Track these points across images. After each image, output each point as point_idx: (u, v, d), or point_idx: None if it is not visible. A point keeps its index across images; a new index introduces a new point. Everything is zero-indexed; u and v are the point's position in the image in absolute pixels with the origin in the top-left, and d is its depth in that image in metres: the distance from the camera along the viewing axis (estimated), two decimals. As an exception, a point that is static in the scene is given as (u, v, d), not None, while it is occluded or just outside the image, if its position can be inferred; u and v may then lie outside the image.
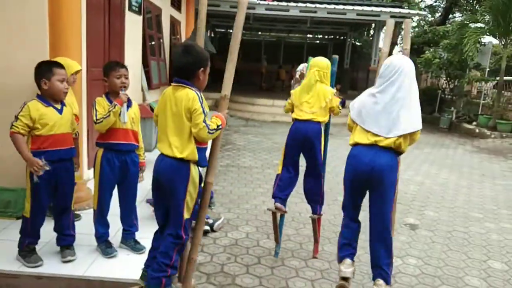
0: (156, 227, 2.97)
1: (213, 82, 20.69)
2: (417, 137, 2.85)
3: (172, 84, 2.64)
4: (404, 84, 2.76)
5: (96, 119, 3.15)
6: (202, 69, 2.63)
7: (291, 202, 5.52)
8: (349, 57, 20.08)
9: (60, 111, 3.11)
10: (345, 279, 2.93)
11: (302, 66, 5.89)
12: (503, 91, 13.27)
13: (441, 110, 15.53)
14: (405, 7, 15.99)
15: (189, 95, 2.52)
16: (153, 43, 8.28)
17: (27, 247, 3.15)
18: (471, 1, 16.42)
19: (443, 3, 19.86)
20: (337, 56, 3.99)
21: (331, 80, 3.87)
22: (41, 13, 3.91)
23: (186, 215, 2.67)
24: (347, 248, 3.08)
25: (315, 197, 3.90)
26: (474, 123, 13.50)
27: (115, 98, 3.23)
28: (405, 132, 2.73)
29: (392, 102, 2.76)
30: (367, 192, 3.04)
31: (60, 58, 3.78)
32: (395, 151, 2.79)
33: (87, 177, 4.89)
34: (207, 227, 4.26)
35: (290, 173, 3.86)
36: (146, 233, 3.78)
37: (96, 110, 3.19)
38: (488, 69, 14.81)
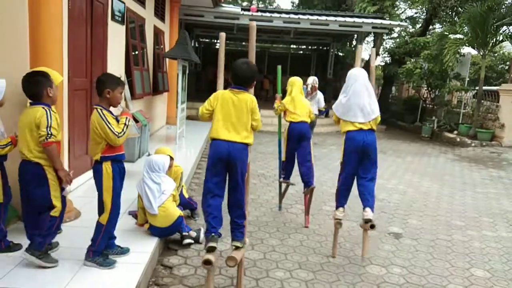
0: (140, 240, 3.16)
1: (197, 91, 20.69)
2: (378, 119, 4.31)
3: (232, 89, 3.36)
4: (360, 83, 4.15)
5: (118, 133, 3.19)
6: (255, 80, 3.47)
7: (276, 212, 5.52)
8: (332, 67, 20.28)
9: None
10: (339, 220, 4.22)
11: (312, 80, 7.83)
12: (482, 101, 13.55)
13: (423, 119, 15.78)
14: (387, 18, 16.25)
15: (251, 98, 3.35)
16: (136, 52, 8.23)
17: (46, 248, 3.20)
18: (450, 13, 16.78)
19: (424, 14, 20.27)
20: (279, 66, 5.45)
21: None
22: (21, 22, 3.84)
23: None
24: (342, 200, 4.35)
25: (309, 176, 5.16)
26: (455, 132, 13.74)
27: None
28: (375, 116, 4.22)
29: (357, 96, 4.12)
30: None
31: (44, 68, 3.72)
32: (374, 130, 4.27)
33: (68, 188, 4.79)
34: (190, 240, 4.20)
35: (291, 163, 5.41)
36: (128, 243, 3.72)
37: (110, 123, 3.17)
38: (467, 79, 15.13)
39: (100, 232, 3.31)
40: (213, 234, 3.24)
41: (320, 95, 8.03)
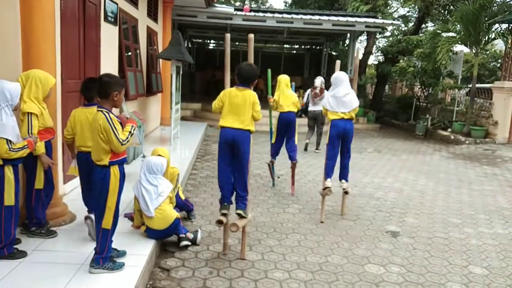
0: (136, 242, 3.20)
1: (191, 92, 20.60)
2: (357, 110, 5.41)
3: (237, 87, 4.05)
4: (344, 84, 5.35)
5: (122, 140, 3.12)
6: (256, 79, 4.15)
7: (273, 212, 5.50)
8: (326, 66, 20.30)
9: None
10: (328, 188, 5.29)
11: (319, 83, 9.69)
12: (475, 98, 13.62)
13: (417, 117, 15.82)
14: (379, 17, 16.28)
15: (252, 94, 4.04)
16: (129, 53, 8.17)
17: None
18: (442, 11, 16.84)
19: (416, 13, 20.35)
20: (269, 70, 6.16)
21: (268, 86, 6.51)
22: (13, 24, 3.79)
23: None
24: (329, 173, 5.43)
25: (294, 152, 6.49)
26: (449, 129, 13.79)
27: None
28: (353, 107, 5.32)
29: (342, 94, 5.28)
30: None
31: (37, 70, 3.68)
32: (352, 119, 5.39)
33: (62, 192, 4.74)
34: (187, 242, 4.17)
35: (280, 142, 6.59)
36: (125, 246, 3.68)
37: (116, 129, 3.09)
38: (460, 77, 15.21)
39: (107, 238, 3.25)
40: (225, 203, 4.10)
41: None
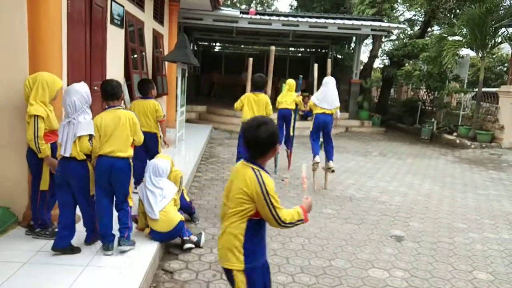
0: (140, 244, 3.19)
1: (197, 94, 20.64)
2: (338, 107, 6.70)
3: (254, 92, 5.84)
4: (330, 87, 6.57)
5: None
6: (266, 86, 5.48)
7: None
8: (331, 69, 20.27)
9: None
10: (316, 163, 6.67)
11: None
12: (481, 102, 13.54)
13: (422, 121, 15.75)
14: (385, 21, 16.24)
15: (265, 97, 5.77)
16: (135, 56, 8.21)
17: None
18: (448, 15, 16.78)
19: (422, 16, 20.29)
20: (301, 76, 7.95)
21: (297, 88, 7.98)
22: (20, 27, 3.83)
23: None
24: (316, 151, 6.71)
25: (290, 143, 7.95)
26: (455, 133, 13.72)
27: None
28: (335, 106, 6.60)
29: (329, 94, 6.53)
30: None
31: (45, 73, 3.71)
32: (332, 114, 6.61)
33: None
34: (191, 245, 4.17)
35: (281, 131, 7.49)
36: (129, 251, 3.69)
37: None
38: (466, 81, 15.13)
39: (129, 215, 3.74)
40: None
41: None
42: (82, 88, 3.51)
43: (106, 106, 3.82)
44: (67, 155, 3.40)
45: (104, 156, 3.59)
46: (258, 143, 2.28)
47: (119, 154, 3.60)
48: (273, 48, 5.82)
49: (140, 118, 4.75)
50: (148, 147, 5.02)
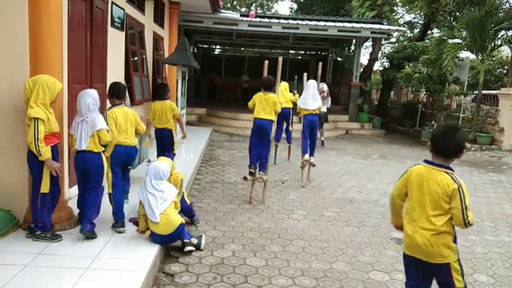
0: (140, 247, 3.33)
1: (196, 97, 20.63)
2: (320, 107, 7.53)
3: (264, 92, 6.23)
4: (311, 89, 7.37)
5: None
6: (274, 87, 6.50)
7: (277, 218, 5.49)
8: (331, 72, 20.30)
9: None
10: (306, 160, 7.22)
11: (326, 87, 11.66)
12: (481, 105, 13.56)
13: (422, 123, 15.77)
14: (385, 24, 16.27)
15: (274, 96, 6.27)
16: (135, 59, 8.22)
17: None
18: (448, 17, 16.79)
19: (422, 19, 20.33)
20: (296, 77, 9.04)
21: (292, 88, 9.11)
22: (21, 29, 3.84)
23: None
24: (305, 150, 7.28)
25: (290, 139, 9.03)
26: (455, 136, 13.71)
27: None
28: (318, 106, 7.40)
29: (311, 96, 7.33)
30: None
31: (45, 75, 3.72)
32: (317, 114, 7.45)
33: (68, 196, 4.77)
34: (191, 247, 4.17)
35: (280, 129, 8.56)
36: (129, 251, 3.69)
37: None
38: (466, 83, 15.15)
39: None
40: (252, 165, 6.17)
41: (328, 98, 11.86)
42: (94, 93, 4.08)
43: (112, 104, 4.52)
44: (84, 148, 3.91)
45: (120, 145, 4.32)
46: (458, 147, 2.64)
47: (131, 142, 4.43)
48: (280, 58, 6.57)
49: (160, 116, 5.99)
50: (165, 140, 6.11)
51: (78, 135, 3.93)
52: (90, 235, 3.92)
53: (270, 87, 6.32)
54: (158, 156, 5.92)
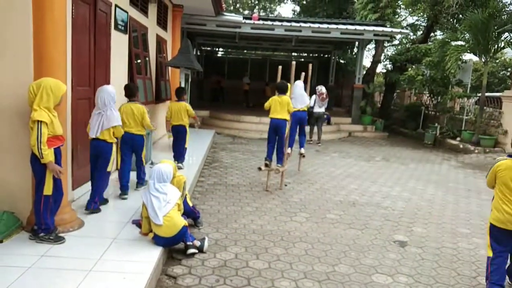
0: (143, 249, 3.44)
1: (200, 99, 20.62)
2: (308, 105, 8.59)
3: (278, 95, 7.03)
4: (297, 89, 7.97)
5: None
6: (287, 90, 7.24)
7: (280, 220, 5.48)
8: (334, 74, 20.30)
9: None
10: (288, 153, 7.55)
11: (324, 89, 12.31)
12: (484, 107, 13.52)
13: (425, 126, 15.73)
14: (388, 26, 16.26)
15: (287, 98, 7.03)
16: (139, 61, 8.25)
17: None
18: (451, 20, 16.77)
19: (425, 21, 20.31)
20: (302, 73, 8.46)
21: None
22: (26, 31, 3.86)
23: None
24: (292, 144, 7.81)
25: (296, 137, 8.72)
26: (458, 138, 13.69)
27: None
28: (305, 104, 8.14)
29: (298, 96, 7.91)
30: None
31: (49, 78, 3.73)
32: (305, 111, 8.19)
33: (71, 198, 4.78)
34: (194, 250, 4.17)
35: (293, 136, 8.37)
36: (132, 253, 3.70)
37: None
38: (469, 86, 15.09)
39: (142, 171, 5.86)
40: (268, 158, 7.20)
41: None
42: (110, 89, 4.71)
43: (128, 100, 5.61)
44: (97, 136, 4.60)
45: (126, 132, 5.25)
46: None
47: (134, 131, 5.47)
48: (293, 63, 7.31)
49: (176, 115, 7.17)
50: (180, 134, 7.29)
51: (92, 124, 4.61)
52: (95, 210, 4.65)
53: (284, 90, 7.10)
54: (173, 147, 7.39)
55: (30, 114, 3.62)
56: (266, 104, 7.14)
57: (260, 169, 7.03)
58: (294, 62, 7.27)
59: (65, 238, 3.90)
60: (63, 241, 3.86)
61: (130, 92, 5.61)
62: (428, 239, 5.19)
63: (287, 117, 7.06)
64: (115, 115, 4.66)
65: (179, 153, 7.29)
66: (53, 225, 3.86)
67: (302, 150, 8.39)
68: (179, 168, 7.00)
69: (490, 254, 3.77)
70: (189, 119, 7.33)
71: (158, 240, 3.97)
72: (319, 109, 12.23)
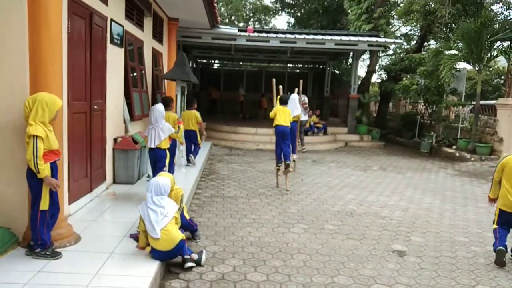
0: (141, 263, 2.98)
1: (206, 112, 20.60)
2: (299, 116, 9.30)
3: (282, 105, 8.20)
4: (294, 102, 9.00)
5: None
6: (288, 102, 8.49)
7: (278, 232, 5.46)
8: (329, 85, 20.42)
9: None
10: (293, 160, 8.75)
11: (305, 98, 12.99)
12: (480, 115, 13.60)
13: (421, 135, 15.80)
14: (382, 36, 16.43)
15: (289, 109, 8.22)
16: (135, 74, 8.28)
17: None
18: (444, 29, 16.96)
19: (418, 31, 20.52)
20: (289, 92, 9.86)
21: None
22: (21, 46, 3.87)
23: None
24: (279, 158, 8.11)
25: (294, 150, 9.22)
26: (454, 147, 13.75)
27: None
28: (295, 115, 8.75)
29: (293, 106, 8.76)
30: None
31: (45, 93, 3.74)
32: (296, 121, 9.03)
33: (67, 213, 4.75)
34: (192, 263, 4.14)
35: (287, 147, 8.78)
36: (129, 267, 3.67)
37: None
38: (464, 94, 15.19)
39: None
40: (279, 161, 7.89)
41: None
42: (161, 108, 5.75)
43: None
44: (153, 146, 5.65)
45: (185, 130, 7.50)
46: None
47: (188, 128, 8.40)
48: (301, 81, 9.17)
49: (187, 121, 8.74)
50: (191, 137, 8.86)
51: (149, 138, 5.68)
52: None
53: (286, 102, 8.29)
54: (186, 148, 8.95)
55: (26, 129, 3.62)
56: (271, 113, 8.17)
57: (278, 170, 7.99)
58: (274, 80, 8.78)
59: (61, 253, 3.87)
60: (60, 257, 3.82)
61: (165, 103, 6.71)
62: (427, 248, 5.18)
63: (289, 124, 8.07)
64: (166, 127, 5.72)
65: (194, 151, 9.00)
66: (50, 241, 3.83)
67: (295, 156, 9.06)
68: (188, 162, 8.80)
69: (496, 227, 4.92)
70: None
71: (155, 254, 3.95)
72: (304, 117, 12.75)
